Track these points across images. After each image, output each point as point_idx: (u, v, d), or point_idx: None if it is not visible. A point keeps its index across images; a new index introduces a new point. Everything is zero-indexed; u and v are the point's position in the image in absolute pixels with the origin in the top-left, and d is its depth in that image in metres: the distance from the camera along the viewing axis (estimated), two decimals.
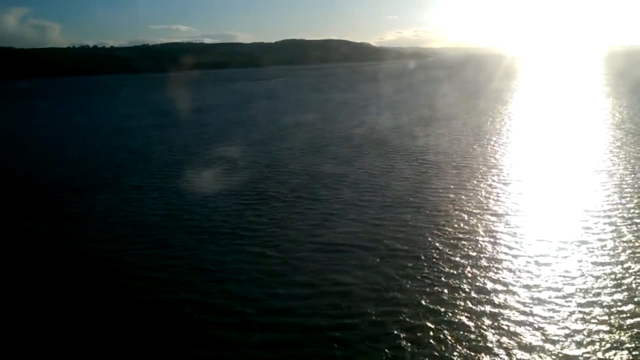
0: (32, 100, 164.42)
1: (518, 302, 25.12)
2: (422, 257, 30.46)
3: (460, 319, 23.73)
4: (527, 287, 26.55)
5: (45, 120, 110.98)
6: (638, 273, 27.68)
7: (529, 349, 21.47)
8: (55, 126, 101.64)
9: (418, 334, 22.64)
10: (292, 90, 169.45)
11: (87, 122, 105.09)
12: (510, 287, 26.58)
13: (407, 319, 23.88)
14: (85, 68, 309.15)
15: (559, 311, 24.12)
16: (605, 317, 23.51)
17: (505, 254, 30.62)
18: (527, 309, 24.39)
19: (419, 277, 27.95)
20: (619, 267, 28.51)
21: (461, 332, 22.69)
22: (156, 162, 61.46)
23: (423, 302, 25.30)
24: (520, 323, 23.29)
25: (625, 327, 22.69)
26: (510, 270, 28.56)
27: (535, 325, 23.03)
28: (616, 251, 30.59)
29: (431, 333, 22.71)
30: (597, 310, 24.10)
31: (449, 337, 22.35)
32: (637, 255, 29.92)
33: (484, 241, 32.67)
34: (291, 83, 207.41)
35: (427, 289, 26.61)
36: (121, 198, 46.23)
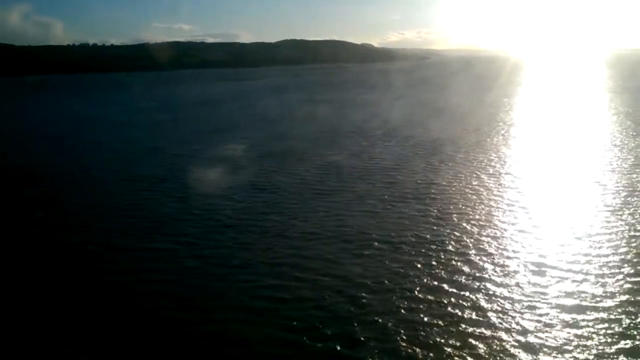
0: (31, 96, 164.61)
1: (528, 299, 24.70)
2: (435, 251, 30.30)
3: (469, 314, 23.46)
4: (537, 284, 26.15)
5: (44, 115, 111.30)
6: None
7: (536, 346, 21.04)
8: (54, 121, 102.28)
9: (428, 328, 22.45)
10: (279, 89, 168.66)
11: (81, 118, 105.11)
12: (522, 284, 26.19)
13: (418, 313, 23.70)
14: (85, 66, 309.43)
15: (566, 309, 23.67)
16: (611, 316, 23.08)
17: (519, 249, 30.21)
18: (536, 306, 23.97)
19: (431, 271, 27.81)
20: (625, 263, 28.19)
21: (469, 328, 22.41)
22: (165, 156, 61.60)
23: (435, 297, 25.07)
24: (528, 320, 22.86)
25: (630, 328, 22.19)
26: (523, 266, 28.08)
27: (545, 323, 22.57)
28: (622, 246, 30.31)
29: (441, 328, 22.50)
30: (602, 309, 23.69)
31: (458, 333, 22.09)
32: None
33: (496, 236, 32.41)
34: (278, 83, 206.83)
35: (439, 283, 26.43)
36: (128, 191, 46.20)
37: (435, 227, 34.18)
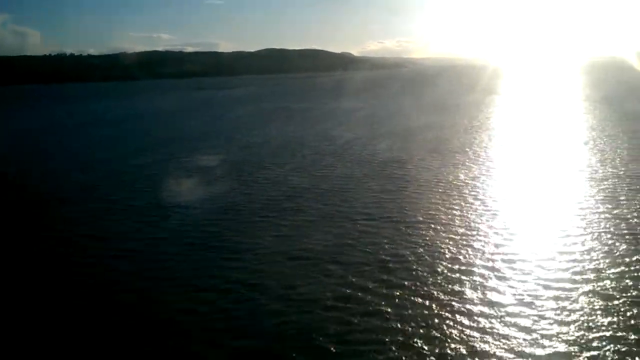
0: (8, 106, 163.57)
1: (498, 309, 24.63)
2: (393, 269, 29.86)
3: (434, 332, 23.05)
4: (507, 292, 26.25)
5: (19, 125, 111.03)
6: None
7: (516, 352, 21.16)
8: (28, 130, 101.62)
9: (390, 347, 22.12)
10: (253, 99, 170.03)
11: (44, 132, 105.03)
12: (488, 297, 26.01)
13: (379, 331, 23.34)
14: (62, 76, 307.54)
15: (545, 316, 23.75)
16: (606, 316, 23.43)
17: (475, 266, 29.93)
18: (510, 315, 23.94)
19: (390, 289, 27.38)
20: (617, 266, 28.50)
21: (437, 344, 22.13)
22: (125, 167, 61.56)
23: (394, 314, 24.74)
24: (504, 329, 22.93)
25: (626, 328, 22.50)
26: (478, 282, 27.87)
27: (522, 330, 22.67)
28: (614, 251, 30.63)
29: (405, 346, 22.16)
30: (599, 310, 24.03)
31: (426, 348, 21.84)
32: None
33: (454, 253, 31.96)
34: (254, 92, 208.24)
35: (398, 300, 26.08)
36: (93, 208, 45.09)
37: (398, 245, 33.48)
